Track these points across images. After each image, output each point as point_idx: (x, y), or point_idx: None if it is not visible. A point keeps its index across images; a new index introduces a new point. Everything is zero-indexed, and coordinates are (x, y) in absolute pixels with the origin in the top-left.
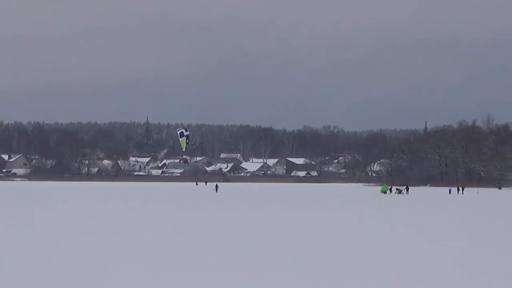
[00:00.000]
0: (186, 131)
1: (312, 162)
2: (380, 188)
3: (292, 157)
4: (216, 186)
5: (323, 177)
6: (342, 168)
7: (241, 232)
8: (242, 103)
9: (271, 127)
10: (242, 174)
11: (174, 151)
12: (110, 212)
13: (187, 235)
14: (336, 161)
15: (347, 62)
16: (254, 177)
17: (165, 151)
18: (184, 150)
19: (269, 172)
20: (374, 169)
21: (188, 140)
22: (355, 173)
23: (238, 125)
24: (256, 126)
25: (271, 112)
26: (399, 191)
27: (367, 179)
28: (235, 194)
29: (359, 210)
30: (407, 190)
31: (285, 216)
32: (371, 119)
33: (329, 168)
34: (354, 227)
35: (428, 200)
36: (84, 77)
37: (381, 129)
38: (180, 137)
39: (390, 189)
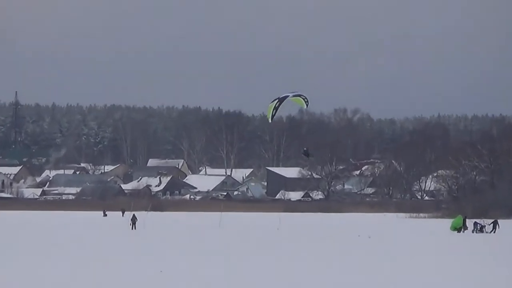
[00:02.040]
0: None
1: (315, 175)
2: (450, 223)
3: (277, 165)
4: (133, 218)
5: (334, 203)
6: (369, 186)
7: None
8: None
9: (240, 112)
10: (188, 196)
11: (66, 155)
12: None
13: None
14: (358, 172)
15: None
16: (209, 201)
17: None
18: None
19: (236, 192)
20: (427, 188)
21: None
22: (393, 194)
23: (180, 107)
24: (213, 109)
25: (239, 87)
26: (480, 228)
27: (414, 206)
28: (167, 236)
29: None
30: (495, 226)
31: None
32: (418, 100)
33: (346, 186)
34: None
35: None
36: None
37: (438, 115)
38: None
39: (464, 224)
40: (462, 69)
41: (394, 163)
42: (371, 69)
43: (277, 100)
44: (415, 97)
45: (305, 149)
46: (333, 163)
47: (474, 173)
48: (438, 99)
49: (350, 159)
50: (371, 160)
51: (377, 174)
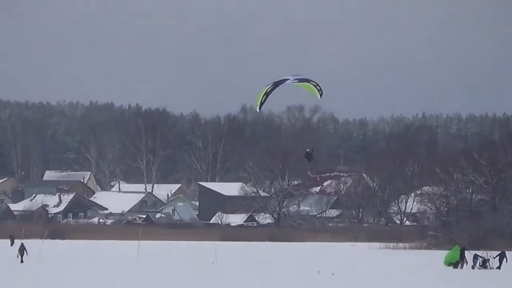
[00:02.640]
0: None
1: (262, 193)
2: (444, 256)
3: (213, 179)
4: (21, 248)
5: (287, 229)
6: (333, 208)
7: None
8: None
9: (164, 110)
10: (96, 219)
11: None
12: None
13: None
14: (318, 189)
15: None
16: (124, 226)
17: None
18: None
19: (159, 215)
20: (408, 210)
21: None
22: (364, 218)
23: (87, 103)
24: (129, 106)
25: (163, 79)
26: (483, 263)
27: (391, 233)
28: (67, 273)
29: None
30: (502, 260)
31: None
32: (396, 95)
33: (302, 207)
34: None
35: None
36: None
37: (423, 114)
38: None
39: (461, 255)
40: (453, 56)
41: (366, 177)
42: (336, 56)
43: (271, 84)
44: (393, 91)
45: (308, 150)
46: (286, 177)
47: (470, 190)
48: (423, 94)
49: (308, 172)
50: (336, 173)
51: (343, 192)
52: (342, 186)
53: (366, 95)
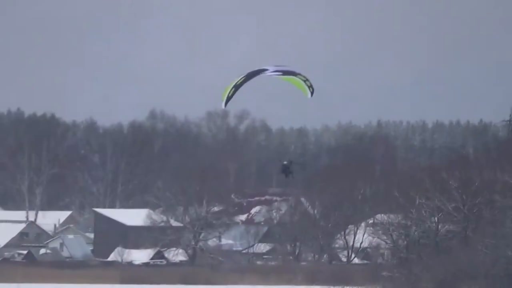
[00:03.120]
0: None
1: (173, 222)
2: None
3: (112, 205)
4: None
5: (204, 268)
6: (263, 241)
7: None
8: None
9: (52, 116)
10: None
11: None
12: None
13: None
14: (244, 217)
15: None
16: None
17: None
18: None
19: (43, 250)
20: (358, 244)
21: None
22: (302, 254)
23: None
24: (9, 112)
25: (50, 81)
26: None
27: (337, 274)
28: None
29: None
30: None
31: None
32: (343, 97)
33: (224, 241)
34: None
35: None
36: None
37: (378, 122)
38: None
39: None
40: (414, 50)
41: (304, 202)
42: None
43: (243, 76)
44: (340, 93)
45: (285, 162)
46: (204, 202)
47: (436, 219)
48: (378, 96)
49: (232, 196)
50: (267, 197)
51: (275, 221)
52: (274, 214)
53: (307, 98)
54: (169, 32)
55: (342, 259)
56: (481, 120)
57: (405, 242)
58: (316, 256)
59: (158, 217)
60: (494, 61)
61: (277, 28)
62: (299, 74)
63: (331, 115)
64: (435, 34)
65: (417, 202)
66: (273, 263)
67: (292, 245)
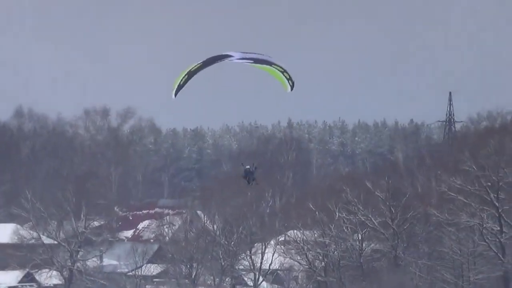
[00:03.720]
0: None
1: (45, 239)
2: None
3: None
4: None
5: None
6: (152, 262)
7: None
8: None
9: None
10: None
11: None
12: None
13: None
14: (131, 234)
15: None
16: None
17: None
18: None
19: None
20: (266, 266)
21: None
22: (199, 277)
23: None
24: None
25: None
26: None
27: None
28: None
29: None
30: None
31: None
32: (249, 95)
33: (106, 261)
34: None
35: None
36: None
37: (289, 121)
38: None
39: None
40: (330, 34)
41: (202, 216)
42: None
43: (200, 62)
44: (244, 89)
45: (247, 167)
46: (82, 216)
47: (360, 236)
48: (290, 93)
49: (116, 208)
50: (157, 209)
51: (168, 238)
52: (166, 230)
53: (204, 93)
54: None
55: (248, 282)
56: (411, 121)
57: (323, 263)
58: (217, 279)
59: (27, 233)
60: (424, 55)
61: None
62: (275, 64)
63: (233, 114)
64: (360, 27)
65: (337, 216)
66: (165, 287)
67: (188, 266)
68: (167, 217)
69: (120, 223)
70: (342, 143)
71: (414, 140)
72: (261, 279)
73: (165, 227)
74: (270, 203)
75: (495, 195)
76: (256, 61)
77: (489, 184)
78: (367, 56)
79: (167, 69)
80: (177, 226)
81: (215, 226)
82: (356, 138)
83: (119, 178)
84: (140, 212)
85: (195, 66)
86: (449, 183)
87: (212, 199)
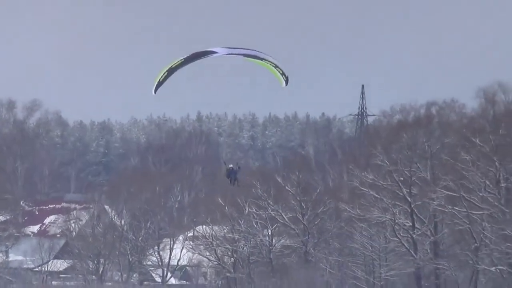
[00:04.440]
0: None
1: None
2: None
3: None
4: None
5: None
6: (60, 257)
7: None
8: None
9: None
10: None
11: None
12: None
13: None
14: (37, 228)
15: None
16: None
17: None
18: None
19: None
20: (174, 261)
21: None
22: (107, 273)
23: None
24: None
25: None
26: None
27: None
28: None
29: None
30: None
31: None
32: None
33: (10, 257)
34: None
35: None
36: None
37: (199, 114)
38: None
39: None
40: (241, 29)
41: (110, 211)
42: None
43: (181, 59)
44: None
45: (231, 166)
46: None
47: (270, 232)
48: (199, 85)
49: (22, 203)
50: (64, 204)
51: (74, 233)
52: (73, 225)
53: (111, 85)
54: None
55: (156, 279)
56: (323, 114)
57: (232, 259)
58: (124, 275)
59: None
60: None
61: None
62: (265, 59)
63: (140, 108)
64: (272, 18)
65: (247, 211)
66: (72, 283)
67: (95, 261)
68: (74, 212)
69: (26, 218)
70: (252, 136)
71: (325, 134)
72: (169, 275)
73: (72, 222)
74: (179, 198)
75: (408, 190)
76: (247, 56)
77: (402, 179)
78: (277, 48)
79: (73, 60)
80: (84, 221)
81: (122, 221)
82: (267, 132)
83: (25, 172)
84: (47, 207)
85: (176, 62)
86: (361, 178)
87: (119, 194)
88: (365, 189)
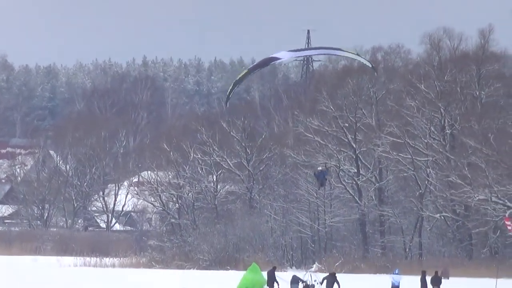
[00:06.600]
0: None
1: None
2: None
3: None
4: None
5: None
6: (5, 202)
7: None
8: None
9: None
10: None
11: None
12: None
13: None
14: None
15: None
16: None
17: None
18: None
19: None
20: (119, 207)
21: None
22: (51, 219)
23: None
24: None
25: None
26: None
27: (94, 245)
28: None
29: None
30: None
31: None
32: None
33: None
34: None
35: None
36: None
37: (144, 59)
38: None
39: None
40: None
41: (55, 155)
42: None
43: (246, 70)
44: (97, 26)
45: (320, 168)
46: None
47: (215, 178)
48: (143, 30)
49: None
50: (9, 149)
51: (20, 178)
52: (18, 170)
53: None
54: None
55: (101, 224)
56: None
57: (177, 205)
58: (69, 221)
59: None
60: None
61: None
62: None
63: (86, 52)
64: None
65: (192, 157)
66: (16, 228)
67: (40, 207)
68: (19, 157)
69: None
70: (197, 81)
71: (271, 79)
72: (114, 221)
73: (17, 167)
74: (124, 143)
75: (353, 137)
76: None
77: (347, 125)
78: None
79: (20, 3)
80: (29, 166)
81: (67, 167)
82: (212, 77)
83: None
84: None
85: (243, 74)
86: (306, 123)
87: (65, 139)
88: (310, 135)
